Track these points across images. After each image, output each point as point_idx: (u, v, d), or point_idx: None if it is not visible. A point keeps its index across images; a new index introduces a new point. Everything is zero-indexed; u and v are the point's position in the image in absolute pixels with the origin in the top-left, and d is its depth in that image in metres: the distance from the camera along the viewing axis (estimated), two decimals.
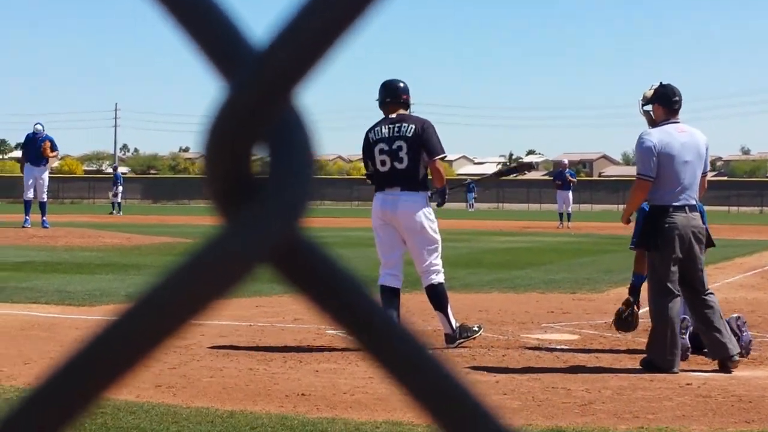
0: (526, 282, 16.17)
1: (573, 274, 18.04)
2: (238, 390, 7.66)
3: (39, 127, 26.53)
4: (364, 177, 10.35)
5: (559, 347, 9.95)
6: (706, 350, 9.01)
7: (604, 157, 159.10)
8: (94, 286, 14.72)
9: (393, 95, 10.10)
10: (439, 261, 9.83)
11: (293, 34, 0.45)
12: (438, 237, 9.89)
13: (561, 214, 40.59)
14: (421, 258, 9.84)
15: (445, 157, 10.05)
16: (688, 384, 8.13)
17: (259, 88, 0.45)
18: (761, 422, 6.87)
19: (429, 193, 9.92)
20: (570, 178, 40.12)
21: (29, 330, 10.48)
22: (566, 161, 42.89)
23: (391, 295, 9.77)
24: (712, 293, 8.92)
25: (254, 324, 10.98)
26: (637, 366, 8.77)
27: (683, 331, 9.06)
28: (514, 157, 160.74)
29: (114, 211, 52.61)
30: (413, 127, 9.81)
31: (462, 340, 9.70)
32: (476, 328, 9.86)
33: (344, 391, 7.70)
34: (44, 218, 26.86)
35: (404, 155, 9.72)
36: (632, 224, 9.49)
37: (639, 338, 10.35)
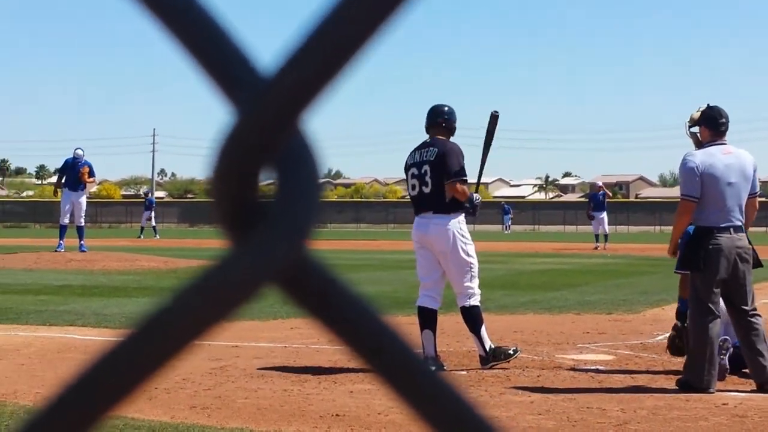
0: (561, 303, 16.11)
1: (609, 295, 17.95)
2: (273, 411, 7.67)
3: (80, 152, 26.54)
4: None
5: (594, 368, 9.90)
6: (746, 370, 8.96)
7: (641, 178, 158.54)
8: (131, 309, 14.79)
9: (430, 119, 10.17)
10: (474, 283, 9.81)
11: (299, 60, 0.46)
12: (472, 259, 9.86)
13: (597, 236, 40.43)
14: (455, 280, 9.85)
15: (463, 180, 9.85)
16: (724, 404, 8.07)
17: (267, 113, 0.46)
18: None
19: (461, 215, 9.91)
20: (602, 200, 39.91)
21: (66, 353, 10.53)
22: (600, 183, 42.68)
23: (429, 315, 9.84)
24: (758, 314, 8.80)
25: (289, 345, 11.00)
26: (673, 386, 8.72)
27: (723, 352, 9.00)
28: (550, 179, 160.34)
29: (142, 236, 52.48)
30: (436, 150, 9.86)
31: (495, 363, 9.67)
32: (512, 351, 9.83)
33: (378, 411, 7.69)
34: (82, 242, 26.97)
35: (429, 179, 9.80)
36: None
37: (675, 359, 10.29)
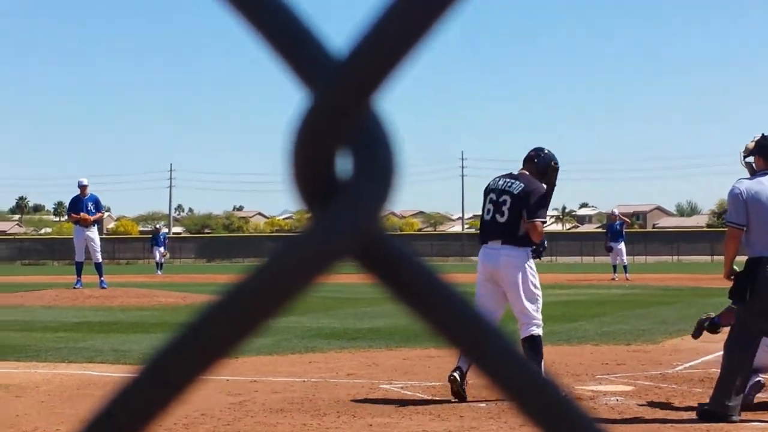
0: (580, 334, 16.06)
1: (628, 326, 17.89)
2: None
3: (84, 181, 26.24)
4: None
5: (614, 398, 9.87)
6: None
7: (658, 208, 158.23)
8: (150, 345, 14.79)
9: (528, 154, 10.46)
10: (539, 315, 9.90)
11: (373, 42, 0.48)
12: (539, 291, 10.01)
13: (615, 266, 40.35)
14: (522, 311, 9.92)
15: (543, 221, 10.09)
16: None
17: (342, 94, 0.48)
18: None
19: (529, 251, 10.03)
20: (620, 230, 39.81)
21: (85, 389, 10.54)
22: (616, 212, 42.58)
23: None
24: None
25: (308, 380, 10.99)
26: (693, 417, 8.68)
27: (753, 392, 9.00)
28: (567, 210, 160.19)
29: (159, 271, 52.28)
30: (523, 186, 10.03)
31: None
32: None
33: None
34: (102, 278, 26.94)
35: (506, 209, 9.96)
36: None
37: (695, 389, 10.26)
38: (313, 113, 0.49)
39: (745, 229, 8.74)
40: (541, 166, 10.34)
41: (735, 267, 9.03)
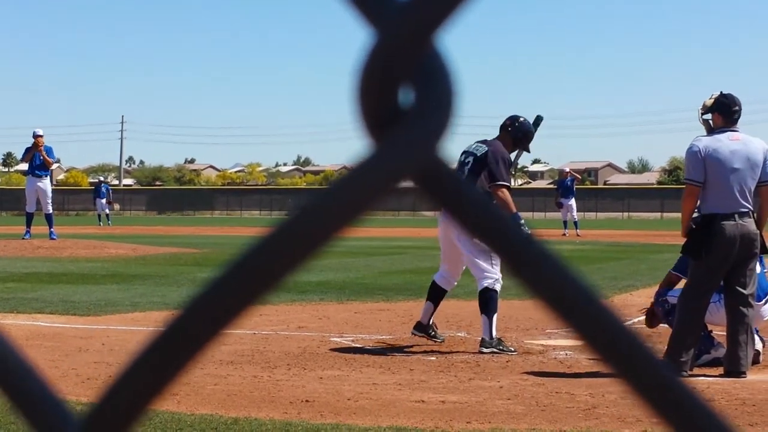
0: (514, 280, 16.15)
1: None
2: (242, 397, 7.67)
3: (39, 131, 26.18)
4: None
5: (563, 353, 9.95)
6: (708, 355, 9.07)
7: (610, 165, 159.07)
8: (99, 297, 14.74)
9: (503, 124, 10.64)
10: (494, 269, 9.93)
11: None
12: None
13: (565, 222, 40.61)
14: (476, 265, 10.03)
15: (506, 187, 10.22)
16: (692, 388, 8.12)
17: (405, 32, 0.51)
18: (765, 425, 6.88)
19: None
20: (570, 186, 40.00)
21: (34, 340, 10.49)
22: (567, 169, 42.78)
23: (437, 291, 10.35)
24: (750, 304, 8.83)
25: (258, 332, 10.99)
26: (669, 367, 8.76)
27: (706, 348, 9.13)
28: (519, 165, 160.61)
29: (102, 222, 52.12)
30: (487, 150, 10.26)
31: (494, 350, 9.76)
32: (512, 350, 9.90)
33: (348, 397, 7.71)
34: (52, 230, 26.80)
35: (467, 170, 10.18)
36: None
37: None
38: (377, 50, 0.51)
39: (702, 186, 8.78)
40: (515, 133, 10.48)
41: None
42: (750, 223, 8.76)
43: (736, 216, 8.72)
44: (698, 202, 8.89)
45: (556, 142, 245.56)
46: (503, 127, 10.54)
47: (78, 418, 0.60)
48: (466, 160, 10.28)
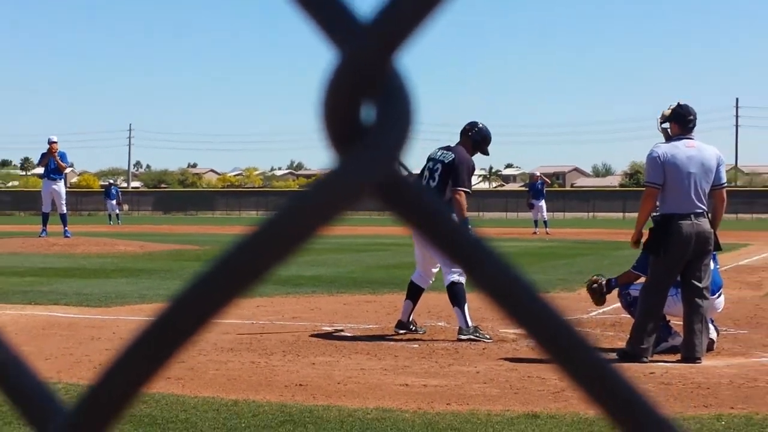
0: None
1: (547, 276, 18.04)
2: (242, 381, 7.66)
3: (53, 138, 26.06)
4: None
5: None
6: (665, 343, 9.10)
7: (576, 169, 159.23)
8: (110, 289, 14.70)
9: (463, 129, 10.60)
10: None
11: (395, 8, 0.50)
12: None
13: (536, 222, 40.68)
14: (442, 264, 10.05)
15: (466, 192, 10.23)
16: (651, 373, 8.15)
17: (367, 53, 0.51)
18: (717, 406, 6.89)
19: (452, 215, 10.09)
20: (541, 189, 40.08)
21: (50, 329, 10.46)
22: (538, 173, 42.83)
23: (414, 290, 10.35)
24: (705, 296, 8.86)
25: (256, 322, 10.98)
26: (606, 357, 8.77)
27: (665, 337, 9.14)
28: (493, 170, 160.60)
29: (112, 222, 52.05)
30: (454, 157, 10.27)
31: (471, 337, 9.76)
32: (487, 337, 9.91)
33: (338, 381, 7.71)
34: (66, 228, 26.72)
35: (437, 176, 10.24)
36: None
37: (606, 332, 10.40)
38: (341, 69, 0.51)
39: (661, 188, 8.83)
40: (475, 138, 10.47)
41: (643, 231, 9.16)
42: (704, 223, 8.79)
43: (692, 216, 8.75)
44: (657, 203, 8.93)
45: (527, 148, 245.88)
46: (464, 132, 10.55)
47: (67, 407, 0.60)
48: (435, 167, 10.29)
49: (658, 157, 8.86)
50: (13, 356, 0.64)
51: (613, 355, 8.85)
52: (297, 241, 0.51)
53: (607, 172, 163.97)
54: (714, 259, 9.30)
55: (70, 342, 9.57)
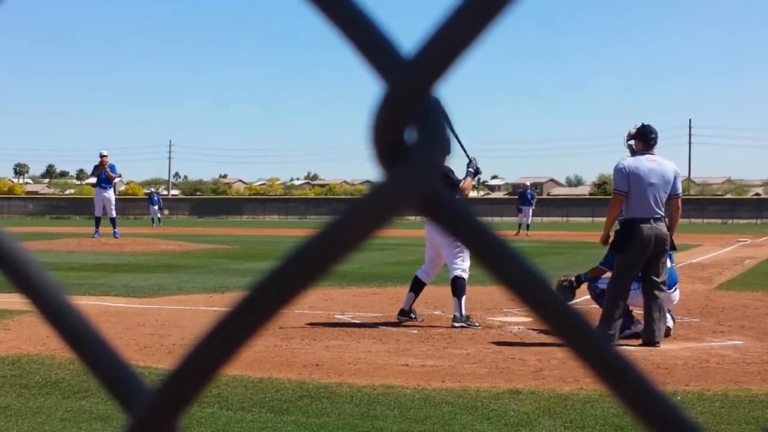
0: (488, 277, 16.13)
1: None
2: (266, 361, 7.66)
3: (104, 151, 25.97)
4: None
5: (516, 327, 9.95)
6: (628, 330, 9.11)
7: (552, 180, 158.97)
8: (153, 283, 14.71)
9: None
10: (463, 263, 10.00)
11: (437, 42, 0.51)
12: (462, 247, 10.08)
13: (519, 225, 40.69)
14: (450, 261, 10.04)
15: (457, 183, 10.13)
16: None
17: (410, 85, 0.52)
18: (674, 384, 6.88)
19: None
20: (530, 198, 40.17)
21: (102, 317, 10.46)
22: (528, 183, 42.89)
23: (418, 283, 10.26)
24: (662, 289, 8.86)
25: None
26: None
27: (629, 326, 9.15)
28: (482, 180, 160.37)
29: (154, 225, 52.10)
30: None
31: (463, 325, 9.76)
32: (477, 324, 9.92)
33: (349, 361, 7.70)
34: (115, 230, 26.70)
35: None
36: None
37: None
38: (387, 99, 0.52)
39: (626, 195, 8.86)
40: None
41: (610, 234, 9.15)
42: (662, 227, 8.81)
43: (652, 220, 8.77)
44: (622, 209, 8.94)
45: (510, 161, 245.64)
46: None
47: (149, 388, 0.61)
48: None
49: (624, 168, 8.88)
50: (102, 340, 0.65)
51: None
52: (352, 243, 0.52)
53: (578, 182, 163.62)
54: (670, 257, 9.31)
55: (119, 328, 9.58)
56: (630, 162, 8.92)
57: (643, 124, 9.19)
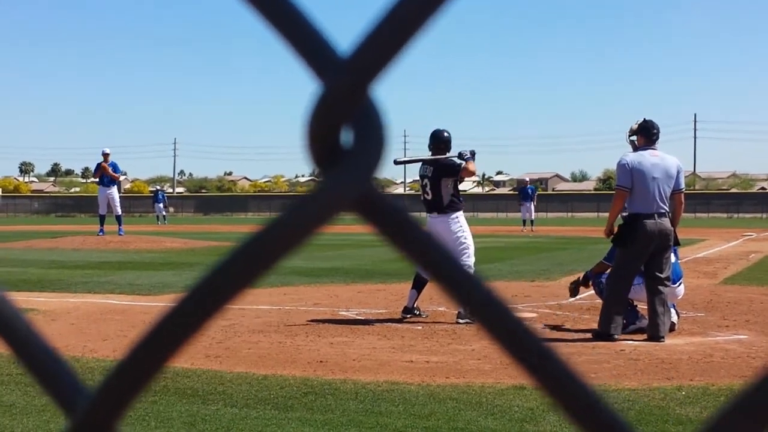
0: (495, 273, 16.16)
1: (532, 266, 18.02)
2: (270, 358, 7.67)
3: (106, 150, 26.00)
4: None
5: None
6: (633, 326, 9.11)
7: (557, 175, 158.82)
8: (158, 280, 14.72)
9: (433, 142, 10.44)
10: (468, 259, 10.11)
11: (372, 42, 0.50)
12: (466, 242, 10.20)
13: (524, 221, 40.65)
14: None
15: (459, 169, 10.16)
16: (621, 350, 8.13)
17: (346, 84, 0.51)
18: (679, 379, 6.88)
19: (457, 213, 10.25)
20: (530, 193, 40.15)
21: (107, 314, 10.48)
22: (527, 179, 42.87)
23: (420, 281, 10.19)
24: (665, 284, 8.86)
25: (282, 308, 10.98)
26: (582, 336, 8.78)
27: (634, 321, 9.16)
28: (486, 176, 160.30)
29: (160, 222, 52.25)
30: (431, 168, 10.23)
31: (468, 321, 9.70)
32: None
33: (353, 358, 7.70)
34: (120, 227, 26.76)
35: (429, 190, 10.25)
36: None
37: (583, 315, 10.37)
38: (323, 99, 0.51)
39: (629, 191, 8.86)
40: (449, 148, 10.44)
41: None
42: (666, 222, 8.80)
43: (656, 215, 8.76)
44: (626, 204, 8.93)
45: (515, 157, 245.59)
46: (442, 149, 10.39)
47: (88, 389, 0.61)
48: (425, 183, 10.27)
49: (627, 164, 8.88)
50: (41, 343, 0.64)
51: (589, 335, 8.86)
52: (289, 245, 0.51)
53: (583, 177, 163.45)
54: (675, 252, 9.31)
55: (123, 325, 9.59)
56: (633, 157, 8.91)
57: (644, 119, 9.20)
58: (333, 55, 0.52)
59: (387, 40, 0.50)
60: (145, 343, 0.55)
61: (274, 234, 0.51)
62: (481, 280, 0.54)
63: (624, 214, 9.00)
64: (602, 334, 8.63)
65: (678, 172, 8.97)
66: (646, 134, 9.07)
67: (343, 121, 0.51)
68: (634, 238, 8.72)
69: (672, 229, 8.85)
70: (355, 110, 0.51)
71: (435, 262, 0.55)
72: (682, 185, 9.05)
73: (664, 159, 8.96)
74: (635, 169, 8.82)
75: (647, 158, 8.88)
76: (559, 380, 0.51)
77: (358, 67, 0.51)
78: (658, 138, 9.08)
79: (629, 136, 9.30)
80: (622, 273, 8.81)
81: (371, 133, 0.52)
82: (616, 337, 8.58)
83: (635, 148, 9.12)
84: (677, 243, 9.08)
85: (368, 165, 0.51)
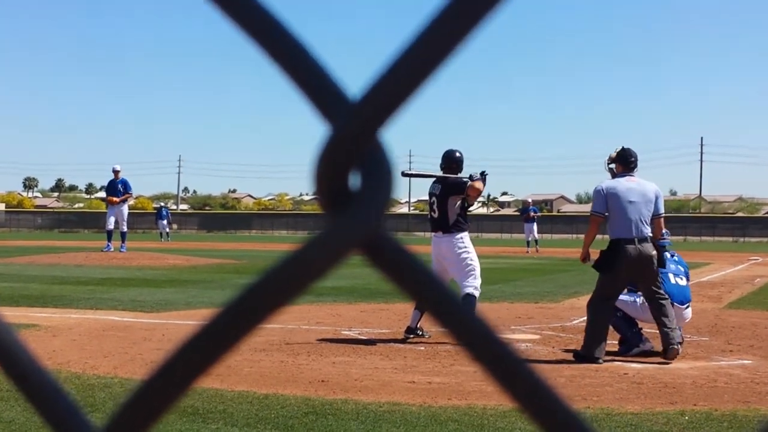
0: (498, 294, 16.15)
1: (536, 288, 18.00)
2: (272, 377, 7.66)
3: (117, 167, 26.07)
4: None
5: (524, 345, 9.93)
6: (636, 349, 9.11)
7: (562, 197, 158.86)
8: (160, 297, 14.72)
9: (445, 162, 10.46)
10: (475, 282, 10.07)
11: (382, 87, 0.51)
12: (472, 262, 10.16)
13: (528, 242, 40.63)
14: (460, 278, 10.07)
15: (466, 185, 10.14)
16: (625, 373, 8.11)
17: (355, 129, 0.51)
18: (682, 403, 6.85)
19: (462, 233, 10.21)
20: (532, 213, 40.16)
21: (109, 331, 10.48)
22: (530, 200, 42.89)
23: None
24: (665, 298, 8.93)
25: (285, 326, 10.97)
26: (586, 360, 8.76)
27: (639, 343, 9.17)
28: (491, 197, 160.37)
29: (163, 239, 52.29)
30: (440, 186, 10.28)
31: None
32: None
33: (355, 378, 7.69)
34: (123, 244, 26.76)
35: (436, 208, 10.28)
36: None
37: None
38: (331, 143, 0.51)
39: (606, 216, 8.99)
40: (460, 167, 10.47)
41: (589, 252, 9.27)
42: (647, 246, 8.95)
43: (636, 240, 8.90)
44: (607, 228, 9.07)
45: (520, 178, 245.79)
46: (453, 169, 10.43)
47: (97, 427, 0.61)
48: (432, 201, 10.31)
49: (601, 190, 9.11)
50: (50, 380, 0.65)
51: (570, 356, 8.89)
52: (294, 290, 0.51)
53: (588, 199, 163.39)
54: (686, 275, 9.53)
55: (125, 342, 9.59)
56: (608, 183, 9.14)
57: (623, 147, 9.42)
58: (342, 99, 0.52)
59: (397, 86, 0.51)
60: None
61: (281, 277, 0.51)
62: (490, 327, 0.55)
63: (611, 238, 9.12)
64: (585, 356, 8.67)
65: (657, 197, 9.12)
66: (623, 162, 9.25)
67: (352, 165, 0.52)
68: (615, 264, 8.81)
69: (654, 254, 8.94)
70: (363, 154, 0.52)
71: (439, 305, 0.55)
72: (662, 210, 9.18)
73: (642, 184, 9.13)
74: (610, 194, 9.00)
75: (623, 183, 9.07)
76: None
77: (367, 112, 0.51)
78: (636, 166, 9.25)
79: (608, 164, 9.48)
80: (603, 297, 8.90)
81: (379, 176, 0.52)
82: (600, 360, 8.60)
83: (613, 176, 9.29)
84: (662, 265, 9.15)
85: (376, 208, 0.52)
